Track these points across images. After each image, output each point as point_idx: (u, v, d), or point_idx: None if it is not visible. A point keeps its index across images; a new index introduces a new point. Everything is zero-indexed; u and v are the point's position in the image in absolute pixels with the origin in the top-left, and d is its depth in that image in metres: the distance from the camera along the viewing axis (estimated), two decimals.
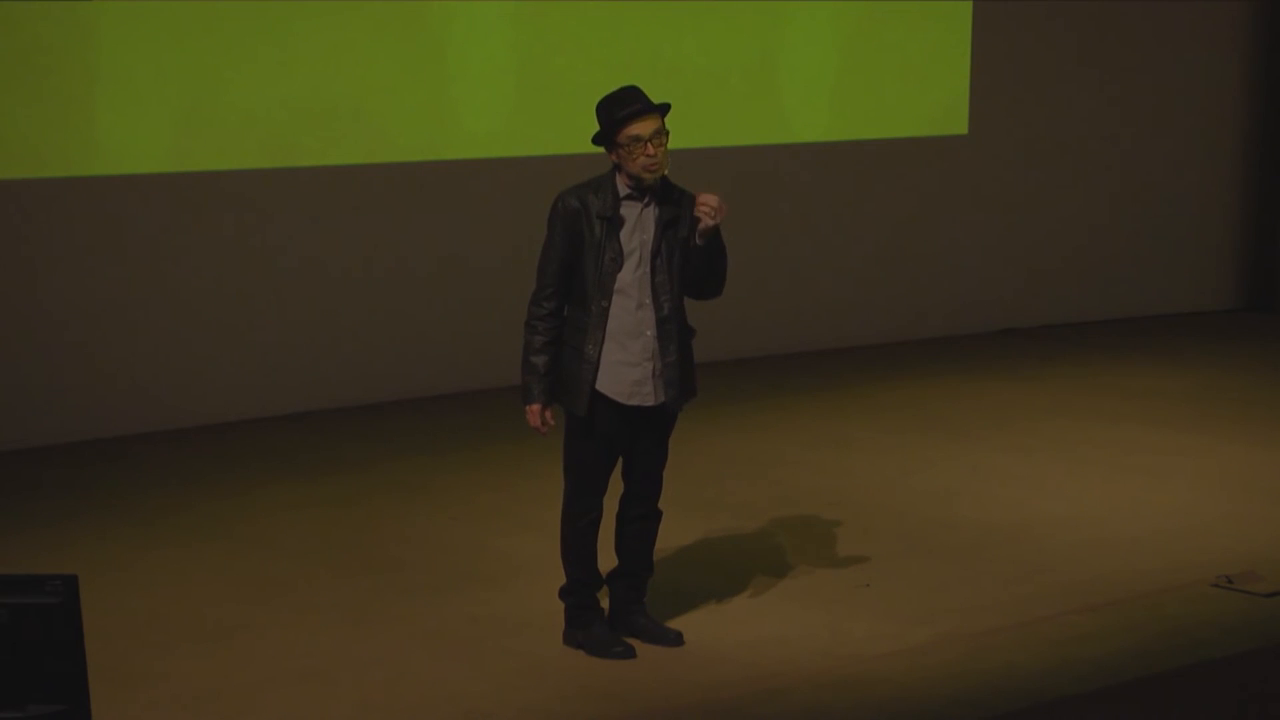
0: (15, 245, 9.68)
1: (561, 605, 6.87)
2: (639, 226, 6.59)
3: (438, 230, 10.99)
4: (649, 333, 6.60)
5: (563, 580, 6.85)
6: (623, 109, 6.52)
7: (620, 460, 6.79)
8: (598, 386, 6.59)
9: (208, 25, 9.99)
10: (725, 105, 11.95)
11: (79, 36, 9.67)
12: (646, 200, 6.61)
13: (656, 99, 6.60)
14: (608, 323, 6.56)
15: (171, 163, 10.05)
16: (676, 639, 6.85)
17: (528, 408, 6.67)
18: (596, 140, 6.60)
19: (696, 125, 11.58)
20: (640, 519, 6.83)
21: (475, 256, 11.09)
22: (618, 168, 6.59)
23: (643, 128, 6.51)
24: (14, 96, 9.53)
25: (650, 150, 6.50)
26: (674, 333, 6.66)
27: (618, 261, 6.54)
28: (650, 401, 6.64)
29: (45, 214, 9.73)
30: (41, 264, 9.75)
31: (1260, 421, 10.60)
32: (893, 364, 12.24)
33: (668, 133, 6.55)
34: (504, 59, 11.05)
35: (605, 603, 6.92)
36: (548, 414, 6.68)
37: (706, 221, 6.60)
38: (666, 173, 6.61)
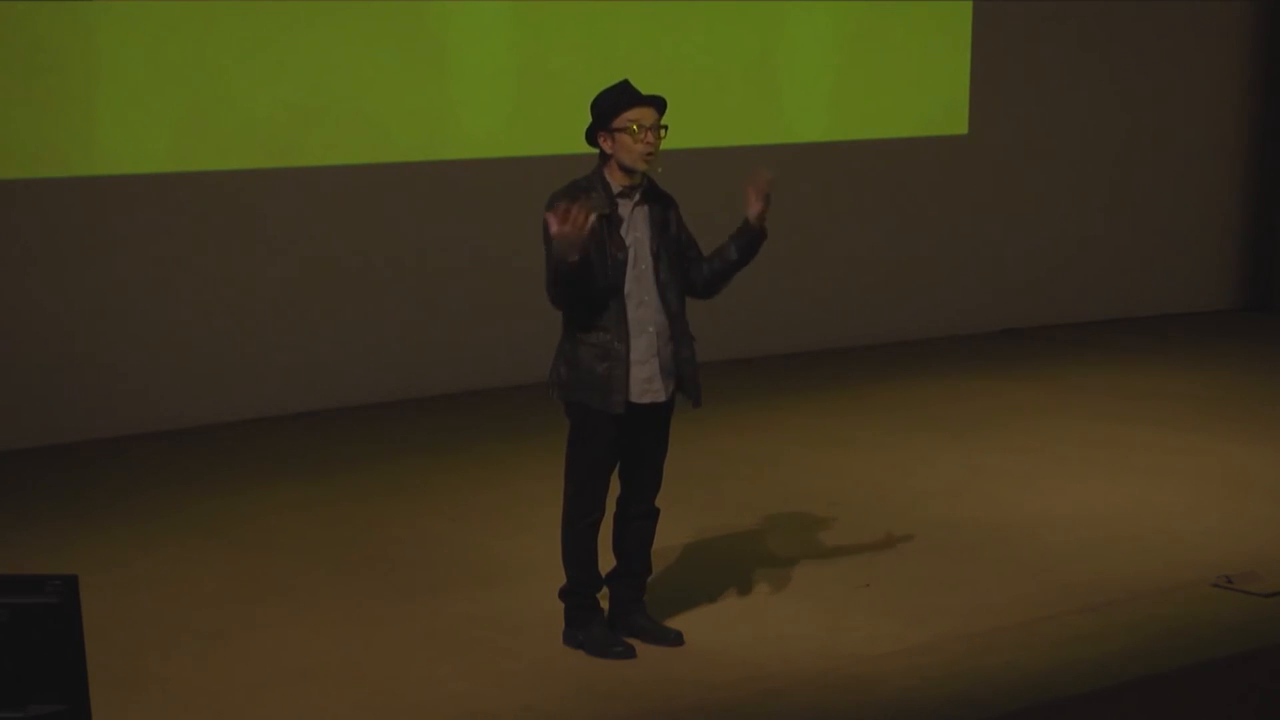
0: (15, 245, 9.69)
1: (561, 605, 6.87)
2: (632, 224, 6.59)
3: (438, 230, 10.99)
4: (651, 329, 6.60)
5: (562, 580, 6.85)
6: (625, 94, 6.54)
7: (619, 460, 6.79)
8: None
9: (208, 25, 10.00)
10: (725, 105, 11.96)
11: (79, 36, 9.67)
12: (637, 199, 6.61)
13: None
14: (628, 319, 6.56)
15: (171, 163, 10.05)
16: (676, 639, 6.85)
17: (557, 237, 6.28)
18: (591, 130, 6.59)
19: (696, 125, 11.59)
20: (641, 517, 6.83)
21: (474, 256, 11.09)
22: (605, 163, 6.58)
23: (644, 114, 6.52)
24: (14, 96, 9.53)
25: (650, 138, 6.51)
26: (684, 329, 6.67)
27: (623, 259, 6.54)
28: (661, 398, 6.64)
29: (45, 214, 9.73)
30: (41, 264, 9.75)
31: (1260, 421, 10.60)
32: (893, 364, 12.25)
33: (666, 128, 6.56)
34: (504, 59, 11.06)
35: (604, 603, 6.92)
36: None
37: (761, 204, 6.67)
38: (660, 170, 6.62)
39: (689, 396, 6.73)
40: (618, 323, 6.55)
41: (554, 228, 6.32)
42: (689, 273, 6.74)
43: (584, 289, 6.48)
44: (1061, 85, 13.55)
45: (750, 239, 6.76)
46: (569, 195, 6.55)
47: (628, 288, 6.56)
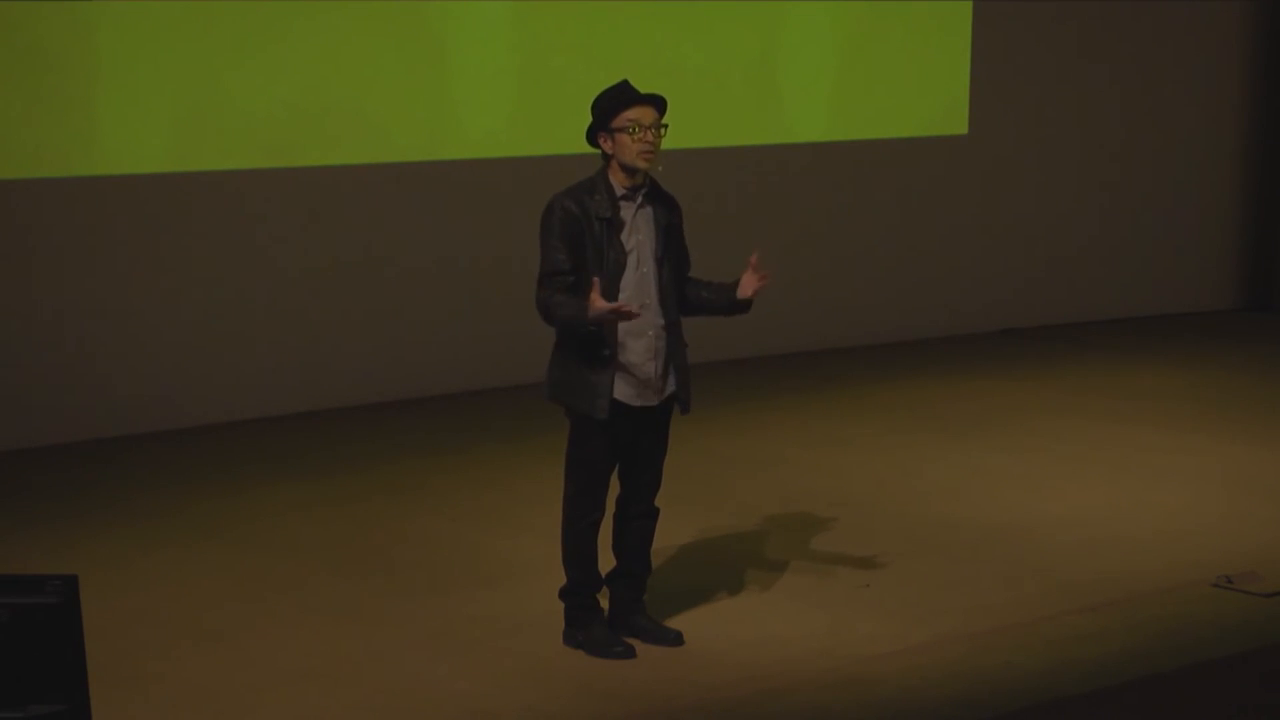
0: (15, 245, 9.69)
1: (561, 605, 6.87)
2: (634, 227, 6.59)
3: (437, 230, 10.99)
4: (650, 333, 6.60)
5: (562, 580, 6.85)
6: (624, 94, 6.54)
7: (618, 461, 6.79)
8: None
9: (208, 25, 10.00)
10: (725, 105, 11.96)
11: (79, 36, 9.67)
12: (640, 201, 6.61)
13: None
14: (617, 324, 6.55)
15: (171, 163, 10.05)
16: (676, 639, 6.85)
17: (592, 315, 6.36)
18: (591, 131, 6.59)
19: (696, 125, 11.59)
20: (641, 517, 6.83)
21: (475, 257, 11.10)
22: (608, 164, 6.58)
23: (643, 114, 6.52)
24: (14, 96, 9.53)
25: (649, 137, 6.51)
26: (679, 335, 6.68)
27: (622, 262, 6.54)
28: (655, 401, 6.65)
29: (45, 214, 9.73)
30: (41, 264, 9.75)
31: (1260, 421, 10.60)
32: (893, 364, 12.25)
33: (666, 126, 6.57)
34: (504, 59, 11.06)
35: (604, 603, 6.92)
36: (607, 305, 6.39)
37: (754, 291, 6.67)
38: (660, 169, 6.62)
39: (678, 403, 6.72)
40: (609, 330, 6.54)
41: (599, 305, 6.33)
42: None
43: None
44: (1061, 85, 13.55)
45: (736, 309, 6.76)
46: (571, 196, 6.55)
47: (627, 291, 6.55)
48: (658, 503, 6.87)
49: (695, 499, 8.61)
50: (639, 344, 6.59)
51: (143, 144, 9.94)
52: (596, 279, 6.41)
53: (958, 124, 13.05)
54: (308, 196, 10.53)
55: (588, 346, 6.54)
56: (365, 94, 10.57)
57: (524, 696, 6.37)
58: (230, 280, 10.31)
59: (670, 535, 7.65)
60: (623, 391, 6.58)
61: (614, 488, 6.80)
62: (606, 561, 6.88)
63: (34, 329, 9.75)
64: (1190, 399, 11.28)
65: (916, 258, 13.02)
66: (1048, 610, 7.32)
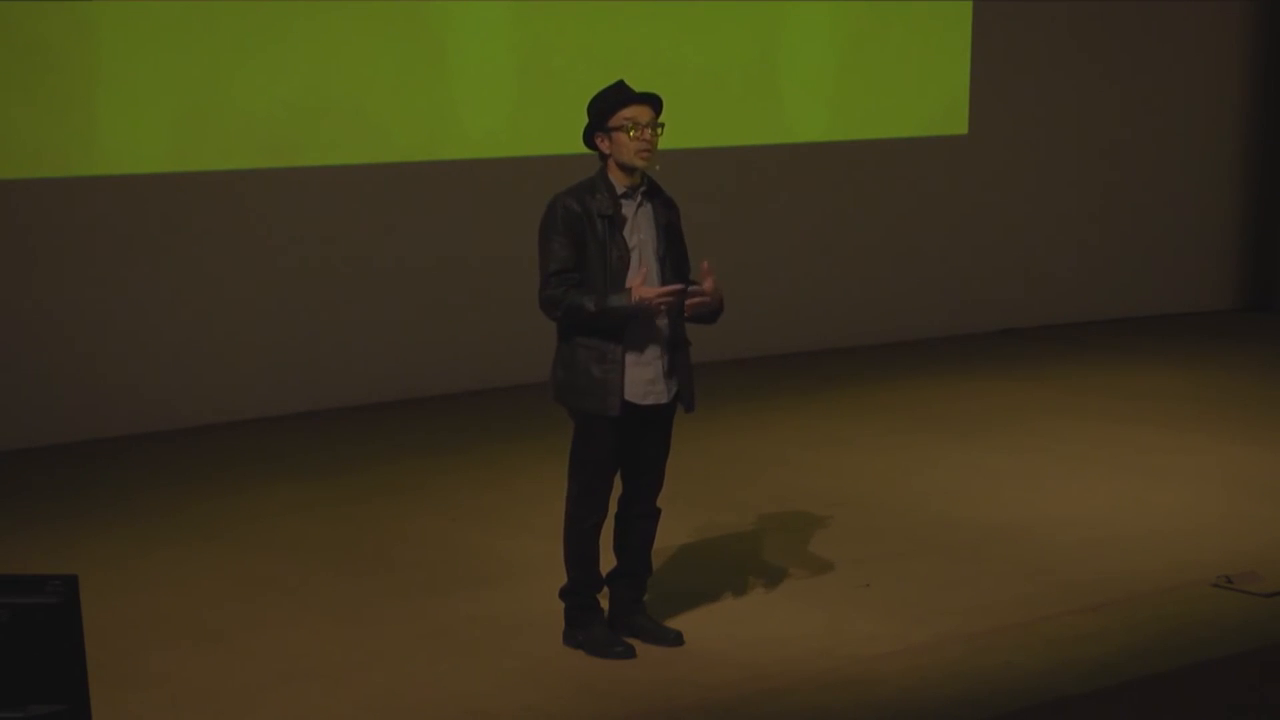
0: (15, 245, 9.69)
1: (561, 605, 6.87)
2: (636, 225, 6.59)
3: (438, 230, 10.99)
4: (656, 331, 6.60)
5: (562, 580, 6.85)
6: (620, 93, 6.55)
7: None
8: None
9: (208, 25, 10.00)
10: (725, 105, 11.96)
11: (79, 36, 9.67)
12: (639, 200, 6.61)
13: None
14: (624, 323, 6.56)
15: (171, 163, 10.05)
16: (676, 639, 6.85)
17: (639, 302, 6.42)
18: (588, 132, 6.60)
19: (696, 125, 11.59)
20: (642, 517, 6.83)
21: (475, 256, 11.09)
22: (606, 164, 6.59)
23: (640, 113, 6.53)
24: (14, 96, 9.53)
25: (646, 136, 6.51)
26: (683, 332, 6.68)
27: (625, 259, 6.54)
28: (664, 399, 6.64)
29: (45, 214, 9.73)
30: (41, 264, 9.75)
31: (1260, 421, 10.60)
32: (893, 364, 12.25)
33: (663, 125, 6.57)
34: (504, 59, 11.06)
35: (604, 603, 6.92)
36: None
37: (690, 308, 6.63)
38: (658, 168, 6.62)
39: (682, 402, 6.73)
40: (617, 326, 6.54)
41: (648, 294, 6.38)
42: None
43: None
44: (1061, 85, 13.55)
45: (699, 320, 6.73)
46: (573, 195, 6.56)
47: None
48: (658, 503, 6.88)
49: (695, 499, 8.61)
50: (646, 342, 6.59)
51: (143, 144, 9.94)
52: (644, 269, 6.45)
53: (958, 124, 13.05)
54: (308, 196, 10.53)
55: (595, 345, 6.54)
56: (365, 94, 10.58)
57: (524, 696, 6.37)
58: (230, 280, 10.31)
59: (670, 535, 7.65)
60: (631, 390, 6.58)
61: (615, 488, 6.80)
62: (607, 561, 6.88)
63: (34, 329, 9.75)
64: (1190, 399, 11.28)
65: (916, 258, 13.02)
66: (1048, 610, 7.32)
